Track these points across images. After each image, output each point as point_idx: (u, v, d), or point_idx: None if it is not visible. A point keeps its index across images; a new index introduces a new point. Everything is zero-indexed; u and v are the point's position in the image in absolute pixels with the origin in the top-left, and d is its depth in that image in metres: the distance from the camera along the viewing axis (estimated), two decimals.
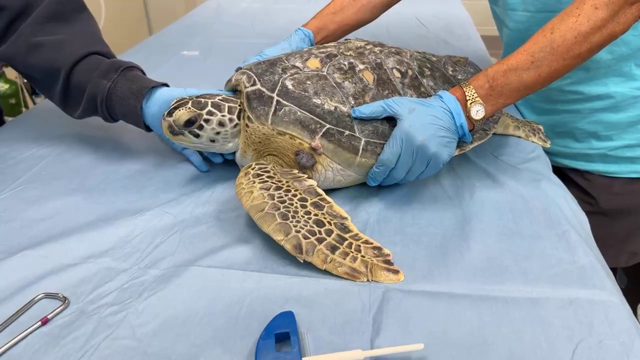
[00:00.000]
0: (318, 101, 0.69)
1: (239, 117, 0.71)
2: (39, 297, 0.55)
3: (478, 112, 0.67)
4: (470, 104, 0.67)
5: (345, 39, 0.83)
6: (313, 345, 0.49)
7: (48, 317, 0.52)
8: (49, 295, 0.56)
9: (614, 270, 1.23)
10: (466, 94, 0.68)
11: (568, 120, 0.92)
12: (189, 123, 0.68)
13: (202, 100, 0.69)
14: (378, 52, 0.78)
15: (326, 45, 0.80)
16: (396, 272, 0.57)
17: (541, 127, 0.92)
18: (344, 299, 0.54)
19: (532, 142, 0.88)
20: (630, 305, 0.54)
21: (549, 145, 0.89)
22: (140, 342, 0.50)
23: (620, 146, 0.88)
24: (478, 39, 1.49)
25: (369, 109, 0.69)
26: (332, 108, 0.69)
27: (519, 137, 0.89)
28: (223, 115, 0.70)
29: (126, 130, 0.93)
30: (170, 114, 0.68)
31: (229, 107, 0.70)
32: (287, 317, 0.50)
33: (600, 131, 0.89)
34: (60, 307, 0.54)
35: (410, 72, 0.77)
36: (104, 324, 0.52)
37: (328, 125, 0.68)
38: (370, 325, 0.51)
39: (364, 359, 0.47)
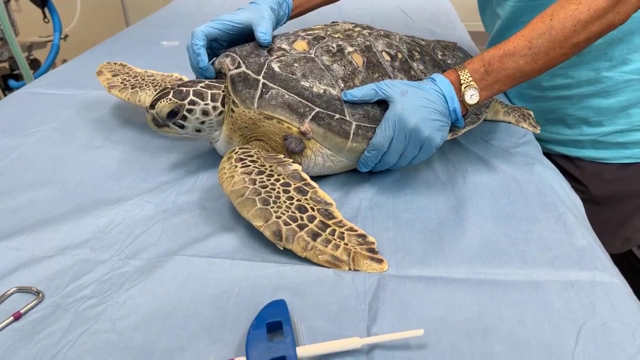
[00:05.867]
0: (306, 84, 0.66)
1: (223, 103, 0.68)
2: (11, 291, 0.52)
3: (472, 96, 0.65)
4: (465, 88, 0.65)
5: (332, 22, 0.80)
6: (307, 334, 0.46)
7: (21, 311, 0.49)
8: (22, 289, 0.52)
9: None
10: (461, 77, 0.65)
11: (558, 107, 0.91)
12: (172, 114, 0.65)
13: (184, 89, 0.66)
14: (367, 34, 0.76)
15: (313, 27, 0.77)
16: (380, 261, 0.54)
17: (531, 113, 0.91)
18: (337, 286, 0.52)
19: (523, 127, 0.87)
20: None
21: (539, 131, 0.87)
22: (122, 335, 0.47)
23: (611, 132, 0.87)
24: (463, 30, 1.48)
25: (360, 92, 0.66)
26: (321, 91, 0.66)
27: (509, 122, 0.87)
28: (206, 104, 0.66)
29: (102, 119, 0.89)
30: (152, 106, 0.65)
31: (212, 95, 0.67)
32: (278, 306, 0.48)
33: (591, 117, 0.88)
34: (34, 301, 0.50)
35: (400, 55, 0.75)
36: (82, 318, 0.48)
37: (317, 109, 0.65)
38: (366, 312, 0.49)
39: (362, 347, 0.44)
